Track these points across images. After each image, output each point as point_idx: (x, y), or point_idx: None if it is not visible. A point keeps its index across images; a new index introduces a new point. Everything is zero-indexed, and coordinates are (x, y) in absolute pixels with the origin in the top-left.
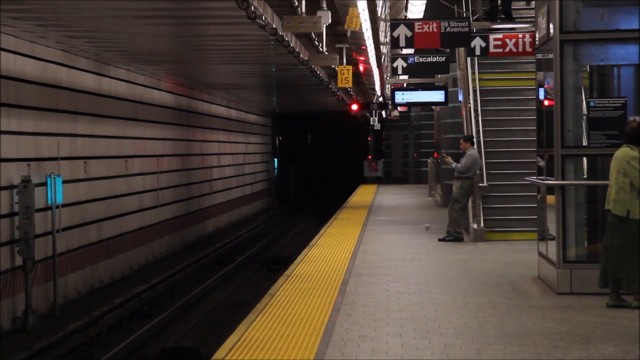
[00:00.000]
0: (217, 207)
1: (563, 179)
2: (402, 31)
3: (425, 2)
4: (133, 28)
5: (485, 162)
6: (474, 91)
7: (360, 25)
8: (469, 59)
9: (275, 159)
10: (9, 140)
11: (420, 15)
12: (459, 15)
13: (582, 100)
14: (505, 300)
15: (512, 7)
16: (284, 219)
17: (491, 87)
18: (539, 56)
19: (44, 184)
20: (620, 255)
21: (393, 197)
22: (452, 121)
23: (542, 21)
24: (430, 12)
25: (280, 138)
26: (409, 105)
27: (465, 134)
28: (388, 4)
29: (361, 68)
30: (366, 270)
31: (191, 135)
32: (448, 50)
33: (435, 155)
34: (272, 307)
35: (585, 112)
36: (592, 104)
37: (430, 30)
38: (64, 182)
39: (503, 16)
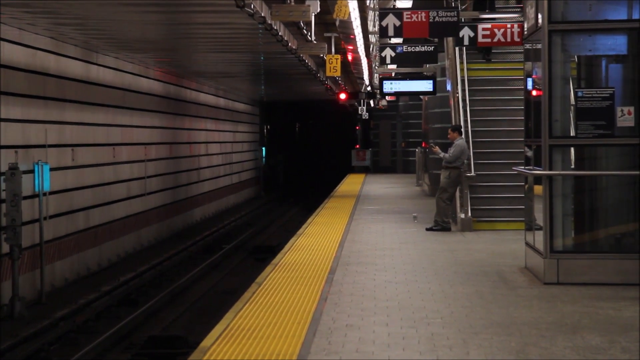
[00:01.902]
0: (205, 195)
1: (550, 169)
2: (391, 20)
3: None
4: (121, 15)
5: (473, 152)
6: (462, 81)
7: (349, 14)
8: (457, 48)
9: (263, 148)
10: None
11: (409, 4)
12: (447, 5)
13: (570, 91)
14: (492, 289)
15: None
16: (272, 207)
17: (479, 77)
18: (527, 46)
19: (32, 172)
20: None
21: (381, 186)
22: (440, 111)
23: (530, 11)
24: (419, 1)
25: (268, 127)
26: (397, 94)
27: (453, 123)
28: None
29: (350, 57)
30: (353, 259)
31: (179, 123)
32: (436, 39)
33: (423, 144)
34: (260, 295)
35: (573, 103)
36: (579, 94)
37: (419, 19)
38: (51, 169)
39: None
